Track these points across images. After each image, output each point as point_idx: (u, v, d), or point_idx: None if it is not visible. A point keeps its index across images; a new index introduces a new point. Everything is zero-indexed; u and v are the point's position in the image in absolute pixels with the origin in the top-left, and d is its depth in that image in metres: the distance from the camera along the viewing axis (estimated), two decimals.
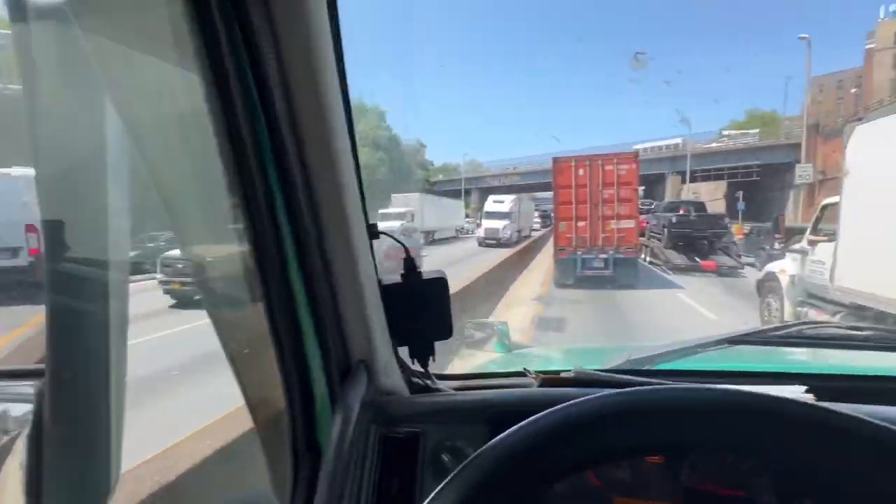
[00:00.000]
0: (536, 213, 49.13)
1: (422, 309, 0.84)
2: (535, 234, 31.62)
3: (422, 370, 0.89)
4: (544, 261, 16.99)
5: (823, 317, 5.68)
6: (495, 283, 9.98)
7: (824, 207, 6.32)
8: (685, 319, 8.18)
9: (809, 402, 0.54)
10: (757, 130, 45.20)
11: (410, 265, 0.86)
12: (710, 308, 8.47)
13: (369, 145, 49.41)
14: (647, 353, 1.00)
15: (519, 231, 29.46)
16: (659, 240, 16.34)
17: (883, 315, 4.57)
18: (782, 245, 6.73)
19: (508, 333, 1.92)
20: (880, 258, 4.46)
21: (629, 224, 13.09)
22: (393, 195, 33.66)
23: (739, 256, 15.70)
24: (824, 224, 6.25)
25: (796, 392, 0.70)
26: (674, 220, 15.79)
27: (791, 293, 6.54)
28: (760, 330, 1.05)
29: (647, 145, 45.25)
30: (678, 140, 44.75)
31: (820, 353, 1.07)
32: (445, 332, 0.86)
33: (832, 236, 5.77)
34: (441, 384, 0.91)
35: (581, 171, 13.21)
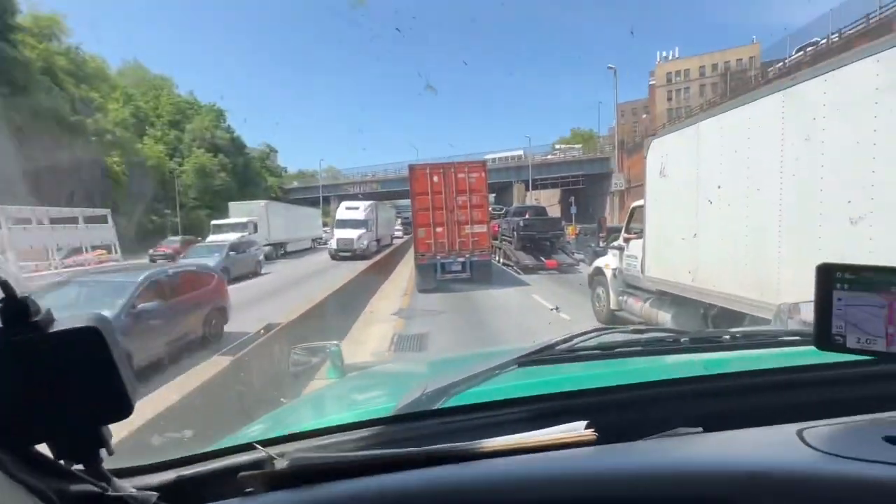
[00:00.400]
0: (398, 221, 49.46)
1: (60, 382, 0.55)
2: (398, 242, 30.93)
3: (83, 468, 0.61)
4: (405, 271, 17.04)
5: (639, 304, 6.79)
6: (349, 301, 9.53)
7: (633, 210, 7.37)
8: (540, 319, 8.87)
9: (591, 437, 0.69)
10: (580, 145, 52.46)
11: (16, 311, 0.53)
12: (563, 307, 9.28)
13: (204, 146, 44.41)
14: (443, 382, 0.96)
15: (378, 240, 27.28)
16: (510, 242, 17.78)
17: (682, 299, 5.62)
18: (605, 243, 7.86)
19: (341, 355, 1.82)
20: (673, 250, 5.51)
21: (482, 228, 13.99)
22: (231, 203, 29.36)
23: (573, 254, 17.97)
24: (634, 224, 7.44)
25: (578, 428, 0.72)
26: (522, 224, 17.21)
27: (614, 285, 7.64)
28: (548, 345, 1.06)
29: (496, 155, 49.37)
30: (520, 151, 49.62)
31: (601, 364, 1.09)
32: (118, 410, 0.58)
33: (640, 234, 6.91)
34: (126, 483, 0.66)
35: (436, 178, 13.73)
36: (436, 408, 0.91)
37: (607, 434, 0.71)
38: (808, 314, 1.08)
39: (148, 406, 2.96)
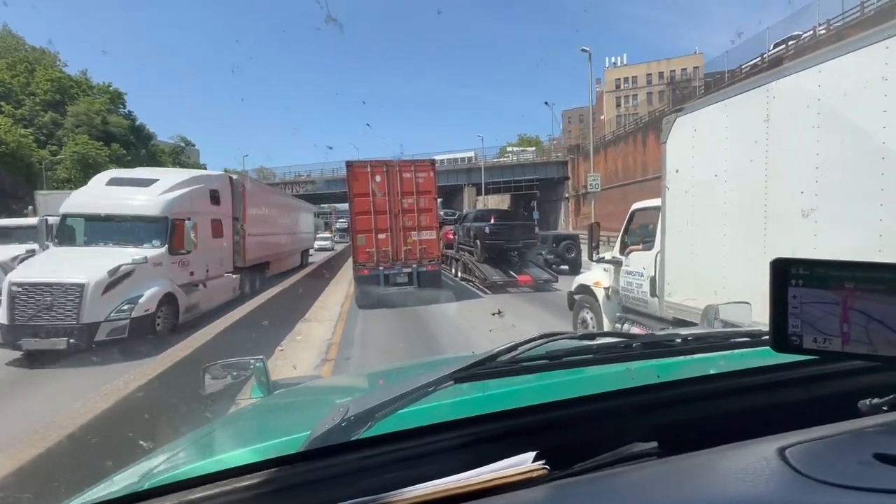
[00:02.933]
0: (331, 227, 45.91)
1: None
2: (324, 256, 24.22)
3: None
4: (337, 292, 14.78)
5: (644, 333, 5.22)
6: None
7: (634, 213, 5.98)
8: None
9: (542, 472, 0.64)
10: (534, 148, 52.08)
11: None
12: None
13: (93, 133, 38.39)
14: (367, 403, 0.79)
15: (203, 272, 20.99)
16: (471, 252, 15.38)
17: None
18: (598, 256, 6.28)
19: (267, 371, 1.66)
20: (713, 270, 3.96)
21: (431, 235, 12.27)
22: (40, 194, 23.24)
23: (551, 266, 15.65)
24: (634, 231, 5.94)
25: (526, 460, 0.67)
26: (487, 230, 14.43)
27: (608, 308, 6.08)
28: (490, 356, 0.88)
29: (445, 157, 47.78)
30: (471, 153, 48.42)
31: (548, 375, 0.95)
32: None
33: (648, 244, 5.37)
34: None
35: (378, 178, 11.89)
36: (355, 438, 0.77)
37: (558, 456, 0.68)
38: (728, 315, 1.71)
39: None
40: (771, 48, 22.78)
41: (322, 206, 67.80)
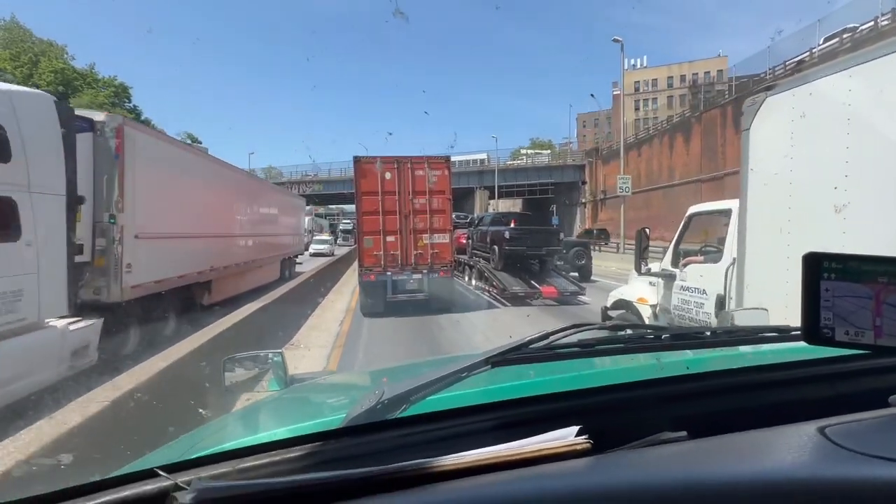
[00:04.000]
0: (334, 228, 44.34)
1: None
2: (317, 264, 20.42)
3: None
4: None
5: None
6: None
7: (691, 218, 5.12)
8: None
9: (586, 446, 0.65)
10: (549, 151, 51.09)
11: None
12: None
13: None
14: (403, 387, 0.82)
15: None
16: (487, 259, 14.29)
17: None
18: (646, 267, 5.38)
19: (285, 365, 1.69)
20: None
21: (444, 239, 11.44)
22: None
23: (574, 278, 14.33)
24: (691, 239, 5.06)
25: (569, 434, 0.68)
26: (507, 235, 13.14)
27: None
28: (523, 343, 0.91)
29: (457, 158, 47.02)
30: (483, 155, 47.59)
31: (581, 363, 1.04)
32: None
33: (712, 255, 4.48)
34: None
35: (388, 175, 11.10)
36: (394, 417, 0.80)
37: (611, 441, 0.70)
38: (743, 321, 1.80)
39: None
40: (821, 42, 21.62)
41: (330, 206, 67.24)
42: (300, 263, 20.67)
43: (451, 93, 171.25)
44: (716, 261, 4.48)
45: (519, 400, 0.86)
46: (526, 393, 0.89)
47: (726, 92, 32.96)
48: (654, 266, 5.37)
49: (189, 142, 60.42)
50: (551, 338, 0.92)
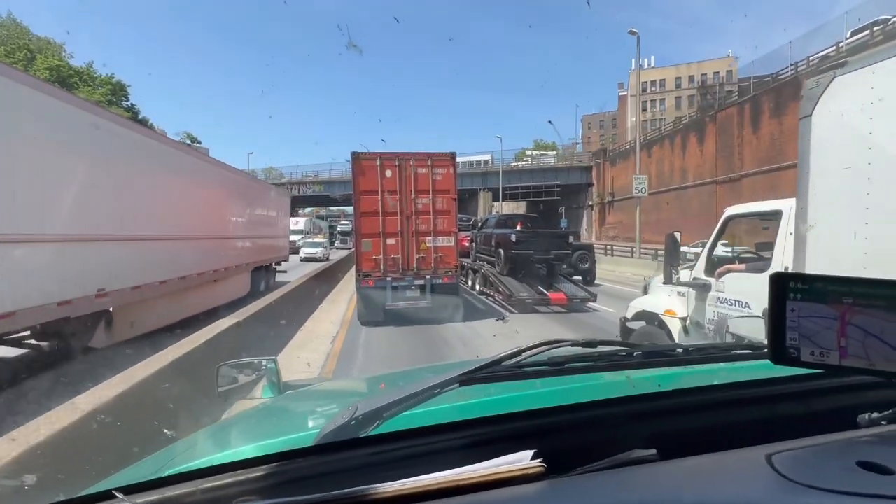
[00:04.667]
0: (333, 230, 42.80)
1: None
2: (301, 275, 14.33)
3: None
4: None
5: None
6: None
7: (728, 221, 4.58)
8: None
9: (539, 470, 0.66)
10: (555, 152, 50.46)
11: None
12: None
13: None
14: (376, 403, 0.85)
15: None
16: (492, 263, 13.77)
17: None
18: (676, 275, 4.78)
19: (278, 372, 1.71)
20: None
21: (448, 242, 10.90)
22: None
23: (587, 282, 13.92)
24: (726, 244, 4.53)
25: (524, 458, 0.70)
26: (514, 238, 12.57)
27: None
28: (494, 361, 0.94)
29: (460, 159, 46.29)
30: (487, 156, 47.00)
31: (551, 381, 1.06)
32: None
33: (760, 264, 3.93)
34: None
35: (389, 173, 10.57)
36: (364, 435, 0.83)
37: (557, 461, 0.70)
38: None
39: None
40: (848, 36, 20.93)
41: (331, 208, 66.66)
42: (284, 272, 18.26)
43: (452, 94, 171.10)
44: (762, 270, 3.98)
45: (488, 418, 0.88)
46: (497, 410, 0.90)
47: (734, 93, 32.40)
48: (684, 275, 4.78)
49: (188, 142, 60.31)
50: (524, 354, 0.95)
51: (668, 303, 5.09)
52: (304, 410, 1.56)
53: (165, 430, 3.10)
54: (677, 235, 4.72)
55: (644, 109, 59.89)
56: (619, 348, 1.09)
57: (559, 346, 0.99)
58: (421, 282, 10.66)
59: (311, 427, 1.00)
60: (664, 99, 59.81)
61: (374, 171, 10.49)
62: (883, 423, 0.78)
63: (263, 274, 15.19)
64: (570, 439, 0.85)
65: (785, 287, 0.70)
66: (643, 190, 20.24)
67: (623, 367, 1.03)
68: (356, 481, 0.64)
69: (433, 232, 10.72)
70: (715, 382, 1.04)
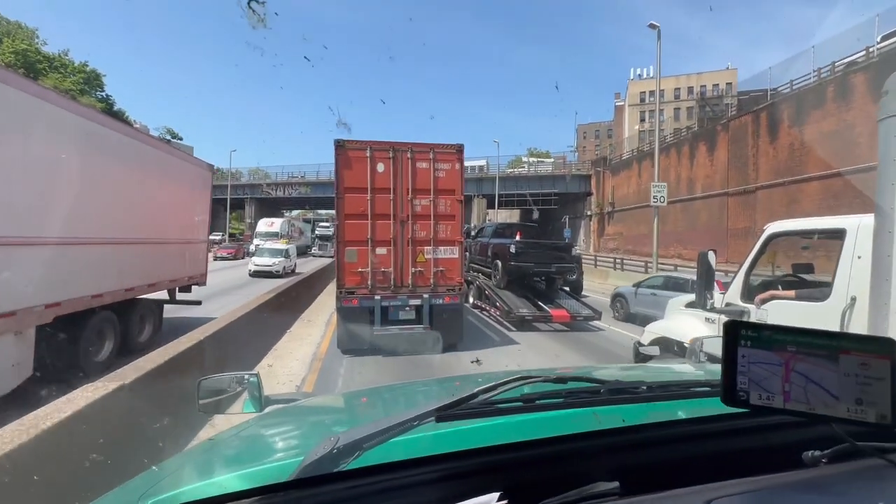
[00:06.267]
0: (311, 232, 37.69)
1: None
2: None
3: None
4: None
5: None
6: None
7: (769, 239, 4.16)
8: None
9: None
10: (553, 159, 48.80)
11: None
12: None
13: None
14: (356, 435, 0.90)
15: None
16: (487, 275, 12.67)
17: None
18: (710, 304, 4.32)
19: (260, 386, 1.72)
20: None
21: (452, 253, 8.93)
22: None
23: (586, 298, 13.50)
24: (763, 266, 4.28)
25: (490, 500, 0.76)
26: (513, 249, 11.73)
27: None
28: (470, 395, 0.99)
29: None
30: (482, 161, 45.17)
31: (521, 417, 1.08)
32: None
33: (815, 292, 3.75)
34: None
35: (381, 167, 8.56)
36: (343, 469, 0.87)
37: (526, 494, 0.78)
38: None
39: None
40: (878, 40, 19.55)
41: (319, 212, 64.10)
42: (197, 303, 10.44)
43: (446, 102, 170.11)
44: (818, 298, 3.65)
45: (460, 453, 0.92)
46: (470, 442, 0.95)
47: (733, 106, 31.04)
48: (716, 298, 4.41)
49: (169, 137, 57.56)
50: (499, 389, 1.01)
51: (693, 329, 4.69)
52: (286, 433, 1.54)
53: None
54: (712, 255, 4.30)
55: (643, 119, 58.75)
56: (588, 384, 1.16)
57: (531, 382, 1.10)
58: (417, 301, 8.66)
59: (293, 453, 1.04)
60: (663, 109, 58.71)
61: (362, 164, 8.46)
62: (824, 461, 0.88)
63: (137, 313, 8.44)
64: (538, 473, 0.90)
65: (737, 334, 0.77)
66: (662, 199, 18.46)
67: (590, 404, 1.08)
68: None
69: (433, 241, 8.72)
70: (677, 417, 1.11)
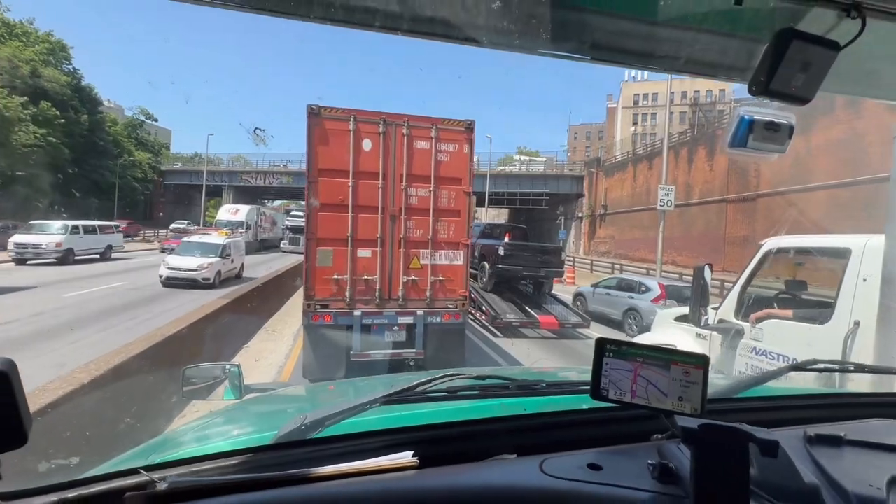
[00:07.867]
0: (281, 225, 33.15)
1: None
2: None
3: None
4: None
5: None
6: None
7: (767, 255, 4.03)
8: None
9: (413, 462, 0.98)
10: (545, 159, 47.14)
11: None
12: None
13: (17, 85, 30.54)
14: (320, 414, 1.15)
15: None
16: (473, 277, 11.76)
17: None
18: (704, 321, 3.96)
19: (241, 376, 1.87)
20: None
21: (456, 259, 6.99)
22: None
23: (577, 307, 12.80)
24: (763, 281, 4.09)
25: (405, 456, 0.99)
26: (502, 251, 11.29)
27: None
28: (411, 386, 1.28)
29: None
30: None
31: (445, 404, 1.36)
32: (13, 440, 0.70)
33: (814, 313, 3.55)
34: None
35: (368, 144, 6.56)
36: (309, 437, 1.12)
37: (438, 461, 0.99)
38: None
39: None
40: None
41: (301, 202, 61.31)
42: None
43: (432, 98, 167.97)
44: (819, 320, 3.46)
45: (397, 429, 1.17)
46: (406, 422, 1.24)
47: (725, 113, 29.78)
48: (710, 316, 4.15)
49: (143, 118, 54.15)
50: (433, 382, 1.30)
51: (684, 345, 4.50)
52: (266, 413, 1.83)
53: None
54: (707, 269, 4.13)
55: (635, 122, 57.62)
56: (500, 381, 1.49)
57: (457, 378, 1.39)
58: (408, 319, 6.71)
59: (270, 426, 1.25)
60: (655, 113, 57.67)
61: (343, 139, 6.44)
62: (659, 437, 1.12)
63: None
64: (452, 446, 1.16)
65: (604, 349, 1.02)
66: (670, 203, 16.89)
67: (500, 396, 1.39)
68: (301, 468, 0.92)
69: (432, 242, 6.75)
70: (565, 408, 1.34)
